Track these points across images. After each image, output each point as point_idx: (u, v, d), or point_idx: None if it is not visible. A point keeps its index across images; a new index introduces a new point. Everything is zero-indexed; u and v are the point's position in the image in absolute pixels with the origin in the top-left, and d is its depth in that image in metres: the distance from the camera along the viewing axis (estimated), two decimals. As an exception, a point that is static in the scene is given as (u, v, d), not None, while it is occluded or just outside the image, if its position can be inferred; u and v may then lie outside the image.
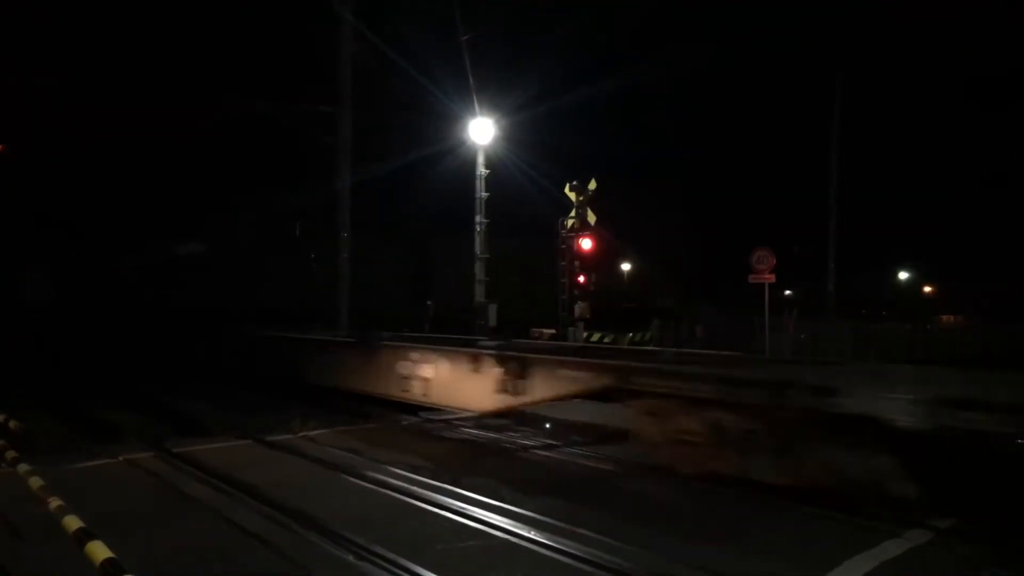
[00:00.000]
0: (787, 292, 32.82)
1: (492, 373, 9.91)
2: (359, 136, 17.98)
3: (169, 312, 21.71)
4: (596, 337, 21.22)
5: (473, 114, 17.44)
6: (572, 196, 18.56)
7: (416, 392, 11.29)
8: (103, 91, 19.17)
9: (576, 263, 18.50)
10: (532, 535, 5.68)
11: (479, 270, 17.69)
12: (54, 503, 6.04)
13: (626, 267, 42.64)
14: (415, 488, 7.12)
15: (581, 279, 18.51)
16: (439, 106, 18.22)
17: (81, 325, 21.52)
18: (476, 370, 10.24)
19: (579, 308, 18.49)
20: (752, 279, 16.06)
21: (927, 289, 53.04)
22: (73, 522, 5.46)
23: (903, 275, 50.94)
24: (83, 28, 20.48)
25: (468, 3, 17.35)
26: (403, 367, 11.54)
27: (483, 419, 10.77)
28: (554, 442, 9.76)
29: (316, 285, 19.39)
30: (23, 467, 7.35)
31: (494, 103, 17.75)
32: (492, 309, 17.79)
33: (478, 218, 17.68)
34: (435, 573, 4.95)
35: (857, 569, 4.97)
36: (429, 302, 24.07)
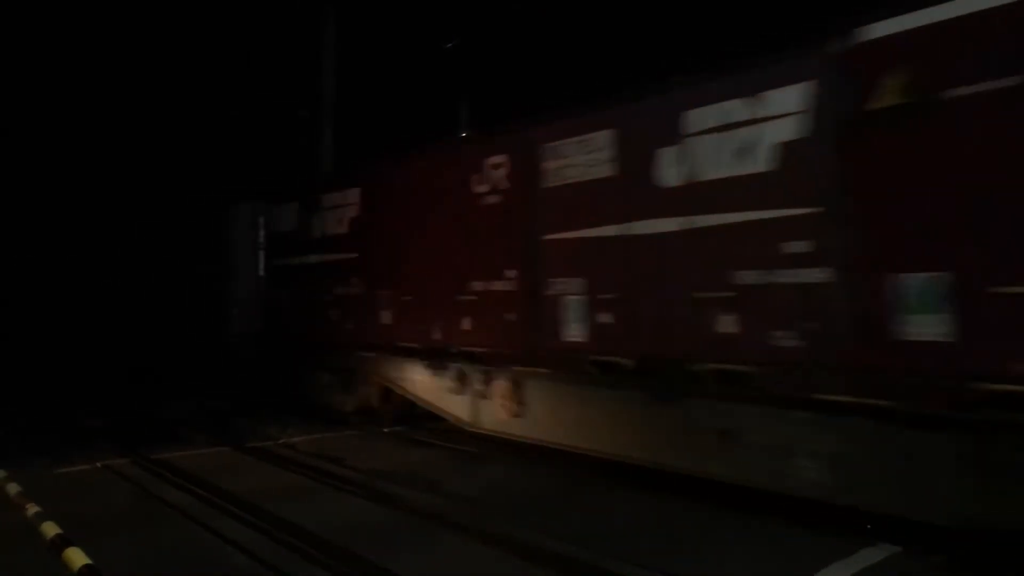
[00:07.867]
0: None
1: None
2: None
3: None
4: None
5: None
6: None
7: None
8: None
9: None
10: (512, 539, 5.70)
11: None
12: (31, 509, 6.01)
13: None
14: (395, 494, 7.12)
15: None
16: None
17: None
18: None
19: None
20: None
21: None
22: (51, 528, 5.44)
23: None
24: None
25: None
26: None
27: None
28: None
29: None
30: (0, 473, 7.30)
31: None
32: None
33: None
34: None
35: (833, 577, 5.01)
36: None
